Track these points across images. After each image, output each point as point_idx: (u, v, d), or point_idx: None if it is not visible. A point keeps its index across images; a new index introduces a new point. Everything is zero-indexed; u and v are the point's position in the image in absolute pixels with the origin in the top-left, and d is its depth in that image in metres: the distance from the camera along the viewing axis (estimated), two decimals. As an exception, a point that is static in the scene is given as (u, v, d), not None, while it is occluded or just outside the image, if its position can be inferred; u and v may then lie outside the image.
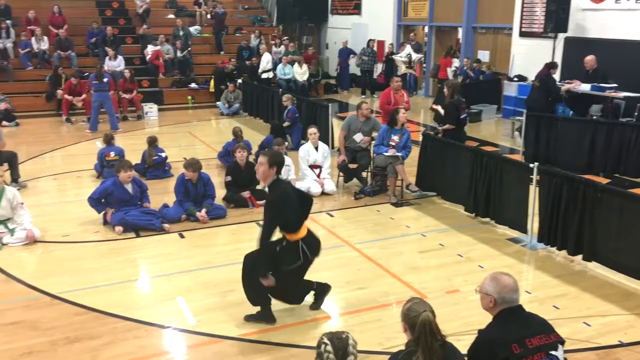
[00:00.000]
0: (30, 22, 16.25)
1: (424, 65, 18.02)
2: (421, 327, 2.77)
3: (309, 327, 5.01)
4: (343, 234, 7.12)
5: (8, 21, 16.00)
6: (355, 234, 7.14)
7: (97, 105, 12.79)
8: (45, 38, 15.96)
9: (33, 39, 15.77)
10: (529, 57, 13.71)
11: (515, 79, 13.92)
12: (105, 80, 12.90)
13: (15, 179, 8.70)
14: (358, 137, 8.69)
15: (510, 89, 14.02)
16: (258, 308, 5.01)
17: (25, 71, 15.48)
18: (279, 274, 4.76)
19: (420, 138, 9.05)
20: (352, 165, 8.83)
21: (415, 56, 16.16)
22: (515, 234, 7.00)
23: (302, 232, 4.85)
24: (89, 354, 4.51)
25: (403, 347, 3.03)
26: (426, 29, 18.20)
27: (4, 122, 13.04)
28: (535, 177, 6.62)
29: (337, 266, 6.21)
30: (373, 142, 8.83)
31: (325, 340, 2.41)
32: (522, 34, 14.16)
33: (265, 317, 4.97)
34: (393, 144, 8.27)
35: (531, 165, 6.68)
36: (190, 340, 4.79)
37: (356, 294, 5.57)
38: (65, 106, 13.91)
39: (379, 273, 6.05)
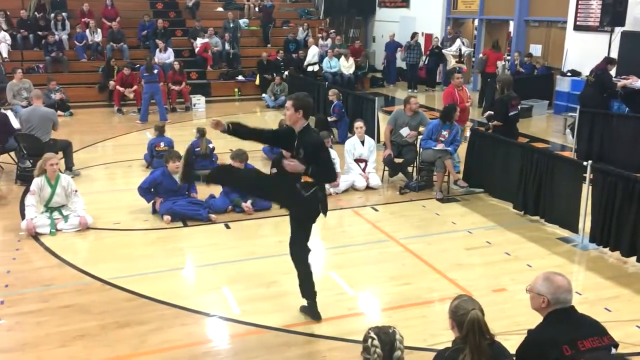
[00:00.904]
0: (85, 15, 16.74)
1: (473, 59, 17.68)
2: (469, 325, 2.72)
3: (352, 321, 5.01)
4: (387, 228, 7.07)
5: (64, 13, 16.53)
6: (400, 229, 7.08)
7: (148, 97, 13.11)
8: (99, 30, 16.41)
9: (87, 31, 16.23)
10: (583, 51, 13.26)
11: (569, 74, 13.50)
12: (155, 71, 13.22)
13: (69, 167, 8.99)
14: (404, 131, 8.60)
15: (563, 84, 13.61)
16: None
17: (79, 62, 15.95)
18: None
19: (468, 133, 8.91)
20: (398, 160, 8.75)
21: (465, 50, 15.85)
22: (565, 233, 6.81)
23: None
24: (137, 339, 4.64)
25: (449, 345, 2.98)
26: (476, 22, 17.84)
27: (59, 112, 13.47)
28: (588, 175, 6.41)
29: (381, 261, 6.18)
30: (419, 136, 8.74)
31: (372, 334, 2.39)
32: (577, 28, 13.70)
33: (311, 312, 4.95)
34: (442, 139, 8.16)
35: (584, 163, 6.47)
36: (235, 329, 4.85)
37: (400, 290, 5.53)
38: (117, 97, 14.28)
39: (424, 269, 5.99)
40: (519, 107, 8.91)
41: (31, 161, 8.36)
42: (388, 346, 2.38)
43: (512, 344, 3.09)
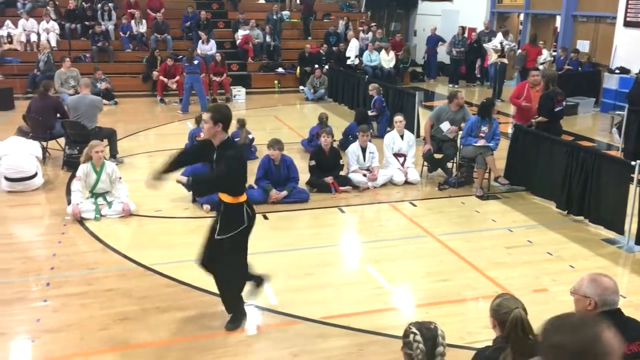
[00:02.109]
0: (131, 6, 17.05)
1: (518, 54, 17.28)
2: (512, 324, 2.67)
3: (388, 315, 5.00)
4: (425, 224, 7.01)
5: (110, 4, 16.87)
6: (437, 225, 7.01)
7: (189, 87, 13.29)
8: (144, 21, 16.70)
9: (132, 21, 16.54)
10: (633, 48, 12.84)
11: (617, 71, 13.09)
12: (195, 62, 13.39)
13: (113, 154, 9.19)
14: (445, 125, 8.50)
15: (610, 82, 13.21)
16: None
17: (124, 52, 16.27)
18: (227, 250, 4.50)
19: (509, 130, 8.74)
20: (438, 155, 8.66)
21: (508, 44, 15.53)
22: (610, 234, 6.62)
23: (244, 196, 4.59)
24: (177, 324, 4.73)
25: (488, 343, 2.95)
26: (521, 17, 17.46)
27: (104, 101, 13.78)
28: (636, 175, 6.21)
29: (418, 256, 6.14)
30: (460, 132, 8.62)
31: (414, 329, 2.37)
32: (627, 24, 13.26)
33: (240, 317, 4.79)
34: (482, 135, 8.03)
35: (633, 163, 6.28)
36: (272, 319, 4.90)
37: (437, 286, 5.48)
38: (160, 87, 14.52)
39: (462, 266, 5.92)
40: (564, 103, 8.70)
41: (77, 148, 8.58)
42: (430, 342, 2.36)
43: (554, 345, 3.02)
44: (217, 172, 4.40)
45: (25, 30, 15.46)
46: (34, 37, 15.55)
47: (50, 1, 16.49)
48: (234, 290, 4.68)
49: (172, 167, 4.57)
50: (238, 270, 4.64)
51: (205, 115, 4.34)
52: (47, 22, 15.75)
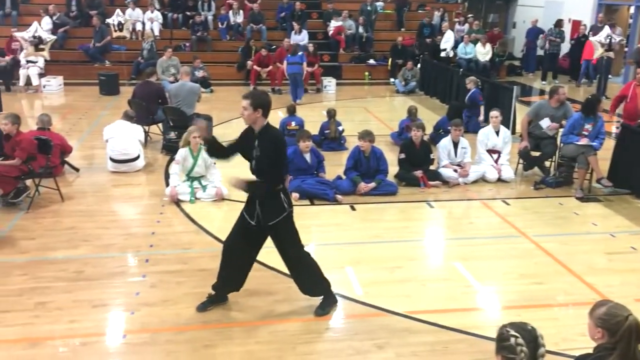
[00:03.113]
0: (229, -4, 17.55)
1: (626, 49, 16.22)
2: (627, 331, 2.50)
3: (477, 314, 4.88)
4: (519, 224, 6.74)
5: (210, -6, 17.46)
6: (532, 225, 6.73)
7: (293, 79, 13.55)
8: (241, 12, 17.15)
9: (230, 12, 17.03)
10: None
11: None
12: (300, 53, 13.59)
13: (208, 140, 9.51)
14: (545, 122, 8.11)
15: None
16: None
17: (221, 42, 16.80)
18: (282, 238, 4.58)
19: (613, 129, 8.21)
20: (535, 153, 8.29)
21: (616, 38, 14.57)
22: None
23: (282, 184, 4.58)
24: (265, 307, 4.85)
25: (586, 351, 2.80)
26: (632, 10, 16.32)
27: (201, 89, 14.31)
28: None
29: (511, 257, 5.93)
30: (560, 129, 8.20)
31: (513, 332, 2.26)
32: None
33: (330, 302, 4.82)
34: (585, 133, 7.61)
35: None
36: (357, 309, 4.90)
37: (531, 289, 5.26)
38: (253, 76, 14.89)
39: (558, 269, 5.65)
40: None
41: (176, 133, 8.97)
42: (532, 344, 2.24)
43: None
44: (273, 165, 4.40)
45: (131, 18, 16.33)
46: (139, 26, 16.39)
47: (155, -9, 17.29)
48: (311, 272, 4.71)
49: (220, 150, 4.64)
50: (303, 250, 4.69)
51: (245, 102, 4.30)
52: (152, 11, 16.56)
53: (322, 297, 4.81)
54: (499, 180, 8.17)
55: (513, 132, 9.67)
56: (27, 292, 5.00)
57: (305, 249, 4.76)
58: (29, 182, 7.09)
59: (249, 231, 4.60)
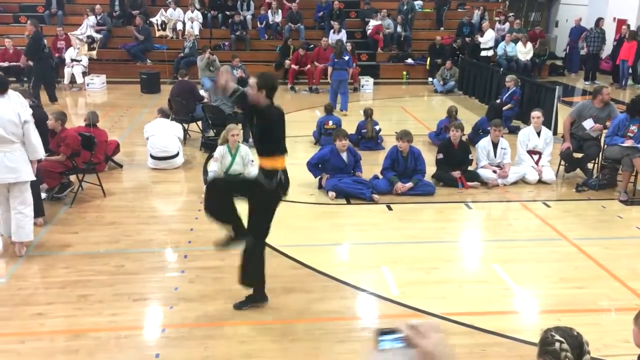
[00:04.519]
0: (268, -4, 17.67)
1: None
2: None
3: (515, 318, 4.82)
4: (560, 226, 6.60)
5: (249, -6, 17.62)
6: (574, 228, 6.57)
7: (336, 85, 12.27)
8: (280, 11, 17.25)
9: (269, 11, 17.14)
10: None
11: None
12: (345, 58, 12.38)
13: (246, 138, 9.56)
14: (588, 123, 7.91)
15: None
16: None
17: (259, 41, 16.92)
18: (252, 210, 4.60)
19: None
20: (577, 155, 8.10)
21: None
22: None
23: (282, 163, 4.55)
24: (302, 305, 4.87)
25: (629, 358, 2.72)
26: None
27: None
28: None
29: (550, 260, 5.81)
30: (604, 131, 7.98)
31: (559, 337, 2.21)
32: None
33: (256, 300, 4.80)
34: (631, 134, 7.39)
35: None
36: (393, 309, 4.88)
37: (571, 293, 5.15)
38: (291, 75, 14.95)
39: (600, 274, 5.50)
40: None
41: (214, 130, 9.08)
42: (577, 350, 2.19)
43: None
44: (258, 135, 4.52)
45: (172, 18, 16.62)
46: (179, 26, 16.66)
47: (196, -9, 17.55)
48: (257, 264, 4.70)
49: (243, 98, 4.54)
50: (261, 240, 4.69)
51: (252, 81, 4.42)
52: (192, 11, 16.81)
53: (252, 291, 4.79)
54: (540, 181, 8.01)
55: (555, 133, 9.46)
56: (70, 284, 5.14)
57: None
58: (72, 177, 7.28)
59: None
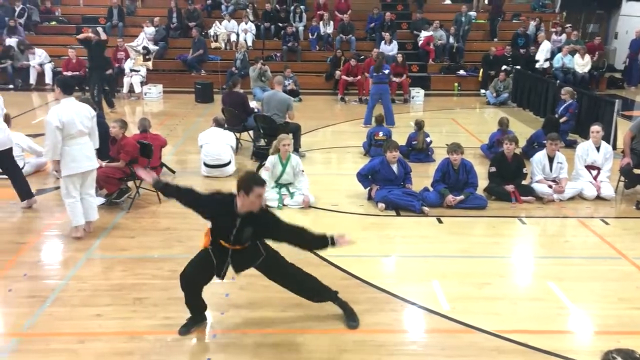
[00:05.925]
0: (320, 8, 17.87)
1: None
2: None
3: (571, 338, 4.66)
4: (619, 245, 6.36)
5: (302, 6, 17.86)
6: (634, 247, 6.33)
7: (375, 98, 11.94)
8: (331, 22, 17.40)
9: (321, 23, 17.31)
10: None
11: None
12: (386, 72, 12.08)
13: (296, 148, 9.70)
14: (650, 138, 7.64)
15: None
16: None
17: (310, 52, 17.11)
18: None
19: None
20: (637, 171, 7.81)
21: None
22: None
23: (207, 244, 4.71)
24: (350, 316, 4.85)
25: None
26: None
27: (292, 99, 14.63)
28: None
29: (609, 279, 5.60)
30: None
31: (620, 359, 2.14)
32: None
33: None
34: (697, 150, 7.08)
35: None
36: (443, 324, 4.80)
37: (632, 314, 4.95)
38: (341, 86, 15.03)
39: (662, 296, 5.27)
40: None
41: (265, 140, 9.20)
42: (639, 373, 2.12)
43: None
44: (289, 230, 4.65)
45: (226, 30, 17.00)
46: (233, 37, 17.02)
47: (250, 4, 17.91)
48: (311, 279, 4.82)
49: (174, 192, 4.78)
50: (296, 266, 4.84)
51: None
52: (246, 23, 17.15)
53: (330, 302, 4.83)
54: (598, 197, 7.76)
55: (614, 148, 9.15)
56: (127, 287, 5.30)
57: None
58: (130, 183, 7.51)
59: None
